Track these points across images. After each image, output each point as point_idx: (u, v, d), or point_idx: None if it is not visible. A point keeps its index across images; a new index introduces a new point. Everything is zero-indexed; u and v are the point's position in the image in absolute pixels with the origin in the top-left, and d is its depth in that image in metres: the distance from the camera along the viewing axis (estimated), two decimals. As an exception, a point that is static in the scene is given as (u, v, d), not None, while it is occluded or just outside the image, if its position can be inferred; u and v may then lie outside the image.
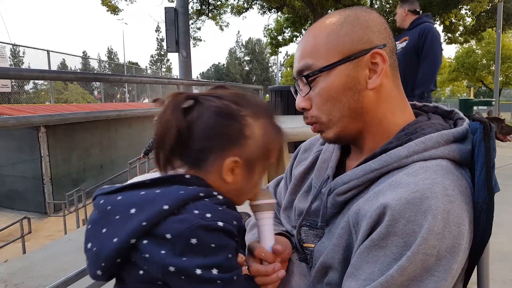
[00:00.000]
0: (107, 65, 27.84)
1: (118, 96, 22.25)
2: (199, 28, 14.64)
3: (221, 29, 14.66)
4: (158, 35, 49.86)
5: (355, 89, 0.77)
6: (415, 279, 0.60)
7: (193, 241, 0.62)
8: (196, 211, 0.64)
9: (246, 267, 0.77)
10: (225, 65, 56.35)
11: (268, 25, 17.28)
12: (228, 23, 15.00)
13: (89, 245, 0.67)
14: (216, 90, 0.76)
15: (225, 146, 0.71)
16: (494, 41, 15.40)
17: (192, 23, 13.58)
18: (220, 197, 0.71)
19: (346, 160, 0.89)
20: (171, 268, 0.62)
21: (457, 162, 0.73)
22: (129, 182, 0.72)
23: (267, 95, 6.22)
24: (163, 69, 49.79)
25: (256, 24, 28.84)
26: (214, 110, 0.71)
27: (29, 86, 15.91)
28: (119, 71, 23.31)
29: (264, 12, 14.81)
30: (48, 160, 9.36)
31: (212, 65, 59.23)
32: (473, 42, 19.68)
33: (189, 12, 11.46)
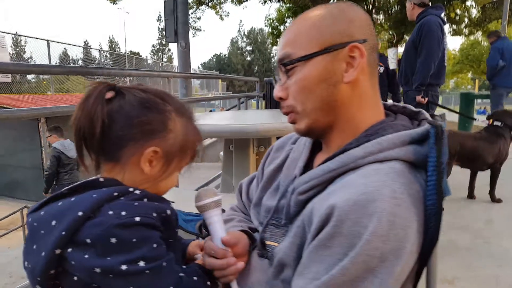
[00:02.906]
0: (108, 55, 27.74)
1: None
2: (199, 18, 14.62)
3: (221, 18, 14.58)
4: (159, 25, 49.70)
5: (330, 82, 0.76)
6: (358, 279, 0.61)
7: (113, 240, 0.64)
8: (110, 212, 0.66)
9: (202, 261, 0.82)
10: (226, 55, 56.16)
11: (270, 15, 17.18)
12: (228, 12, 14.95)
13: (25, 264, 0.70)
14: (140, 85, 0.77)
15: (146, 135, 0.73)
16: (499, 33, 15.26)
17: (191, 13, 13.51)
18: (137, 192, 0.72)
19: (315, 159, 0.89)
20: (97, 270, 0.64)
21: (413, 164, 0.72)
22: (51, 195, 0.73)
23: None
24: (165, 59, 49.64)
25: (258, 13, 28.66)
26: (138, 101, 0.73)
27: (31, 76, 15.91)
28: (120, 61, 23.20)
29: (265, 2, 14.72)
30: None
31: (214, 55, 59.09)
32: (478, 34, 19.51)
33: (189, 2, 11.39)
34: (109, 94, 0.73)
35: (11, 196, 9.79)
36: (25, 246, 0.70)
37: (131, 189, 0.72)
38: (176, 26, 7.84)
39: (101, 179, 0.72)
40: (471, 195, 3.70)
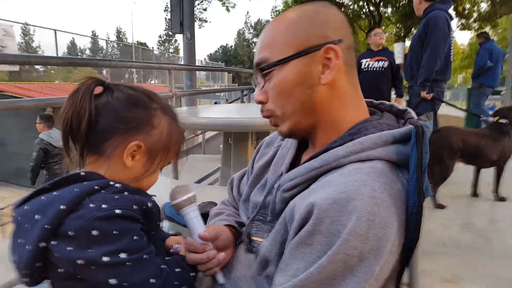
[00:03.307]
0: (115, 45, 27.77)
1: (127, 76, 22.24)
2: (205, 9, 14.59)
3: (228, 10, 14.52)
4: (166, 15, 49.55)
5: (308, 84, 0.77)
6: (336, 277, 0.61)
7: (94, 232, 0.66)
8: (91, 205, 0.68)
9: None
10: (233, 47, 56.05)
11: (276, 7, 17.12)
12: (235, 4, 14.84)
13: (12, 257, 0.71)
14: (129, 84, 0.81)
15: (130, 130, 0.76)
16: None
17: (198, 4, 13.47)
18: (117, 185, 0.74)
19: (302, 156, 0.89)
20: (79, 261, 0.66)
21: (395, 164, 0.72)
22: (34, 190, 0.75)
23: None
24: (171, 50, 49.63)
25: (265, 5, 28.53)
26: (126, 97, 0.77)
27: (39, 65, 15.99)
28: (127, 51, 23.29)
29: (272, -7, 14.64)
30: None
31: (220, 47, 59.03)
32: (487, 28, 19.28)
33: (195, -7, 11.33)
34: (98, 89, 0.76)
35: (18, 184, 9.89)
36: (11, 241, 0.72)
37: (111, 183, 0.74)
38: (181, 17, 7.84)
39: (82, 173, 0.74)
40: (474, 193, 3.66)
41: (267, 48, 0.79)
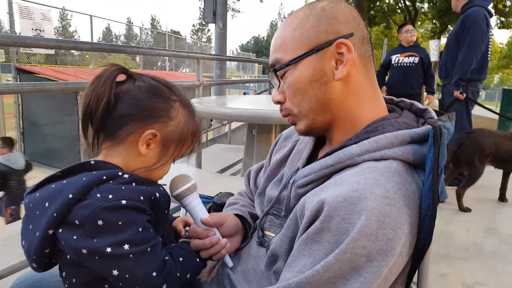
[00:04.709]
0: (149, 32, 28.17)
1: (159, 64, 22.50)
2: (238, -1, 14.51)
3: (261, 0, 14.45)
4: (200, 4, 49.79)
5: (322, 81, 0.76)
6: (343, 277, 0.60)
7: (100, 222, 0.66)
8: (98, 195, 0.68)
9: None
10: (265, 38, 55.78)
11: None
12: (268, -6, 14.76)
13: (23, 243, 0.73)
14: (151, 75, 0.82)
15: (148, 118, 0.77)
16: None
17: (231, -6, 13.45)
18: (126, 176, 0.74)
19: (319, 152, 0.89)
20: (84, 251, 0.67)
21: (412, 164, 0.71)
22: (46, 177, 0.76)
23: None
24: (204, 39, 49.89)
25: (299, -3, 28.11)
26: (146, 86, 0.78)
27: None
28: (161, 39, 23.59)
29: (307, -15, 14.46)
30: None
31: (252, 37, 58.91)
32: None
33: (229, -17, 11.32)
34: (121, 77, 0.77)
35: (48, 164, 10.21)
36: (22, 226, 0.73)
37: (120, 173, 0.74)
38: (215, 6, 7.89)
39: (92, 162, 0.75)
40: (502, 198, 3.54)
41: (279, 49, 0.80)
